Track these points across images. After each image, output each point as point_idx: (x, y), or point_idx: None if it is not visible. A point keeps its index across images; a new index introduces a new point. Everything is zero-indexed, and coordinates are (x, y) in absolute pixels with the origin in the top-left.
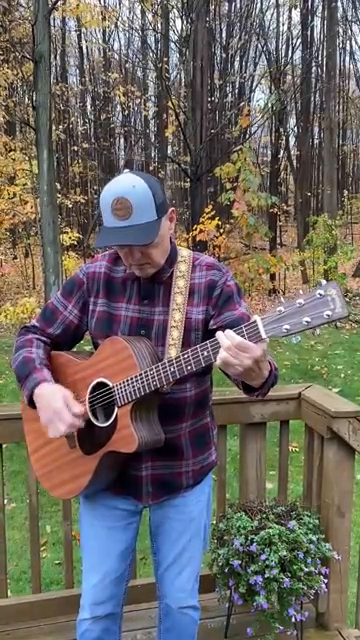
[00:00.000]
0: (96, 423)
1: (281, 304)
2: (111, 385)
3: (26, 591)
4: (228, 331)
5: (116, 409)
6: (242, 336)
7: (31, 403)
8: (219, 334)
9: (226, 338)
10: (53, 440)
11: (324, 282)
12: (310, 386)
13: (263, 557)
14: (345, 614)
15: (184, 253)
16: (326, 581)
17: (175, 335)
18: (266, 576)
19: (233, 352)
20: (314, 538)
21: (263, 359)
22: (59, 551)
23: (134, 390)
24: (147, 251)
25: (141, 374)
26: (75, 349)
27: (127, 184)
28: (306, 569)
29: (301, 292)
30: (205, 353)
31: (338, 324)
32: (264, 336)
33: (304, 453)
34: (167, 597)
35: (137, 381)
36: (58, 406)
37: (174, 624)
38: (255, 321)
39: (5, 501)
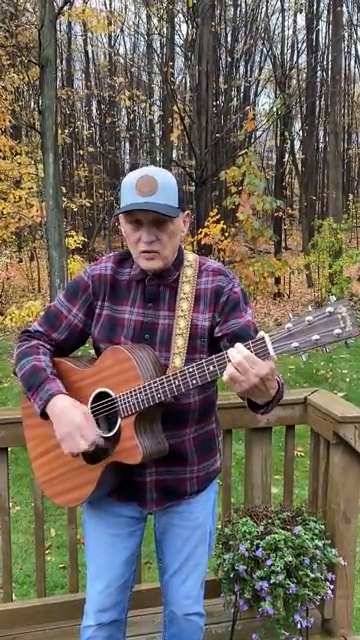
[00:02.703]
0: (99, 432)
1: (290, 321)
2: (114, 396)
3: (30, 595)
4: (238, 345)
5: (119, 420)
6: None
7: (42, 415)
8: (230, 350)
9: (236, 352)
10: (54, 448)
11: (334, 299)
12: (316, 390)
13: (269, 562)
14: (351, 620)
15: (190, 257)
16: (332, 587)
17: (180, 343)
18: (272, 582)
19: (242, 368)
20: (320, 544)
21: (270, 378)
22: (64, 555)
23: (138, 402)
24: (161, 234)
25: (145, 386)
26: (80, 353)
27: (153, 168)
28: (312, 575)
29: (310, 308)
30: (211, 368)
31: (349, 342)
32: (272, 354)
33: (310, 458)
34: (172, 604)
35: (141, 393)
36: (80, 422)
37: (179, 631)
38: (263, 338)
39: (10, 504)
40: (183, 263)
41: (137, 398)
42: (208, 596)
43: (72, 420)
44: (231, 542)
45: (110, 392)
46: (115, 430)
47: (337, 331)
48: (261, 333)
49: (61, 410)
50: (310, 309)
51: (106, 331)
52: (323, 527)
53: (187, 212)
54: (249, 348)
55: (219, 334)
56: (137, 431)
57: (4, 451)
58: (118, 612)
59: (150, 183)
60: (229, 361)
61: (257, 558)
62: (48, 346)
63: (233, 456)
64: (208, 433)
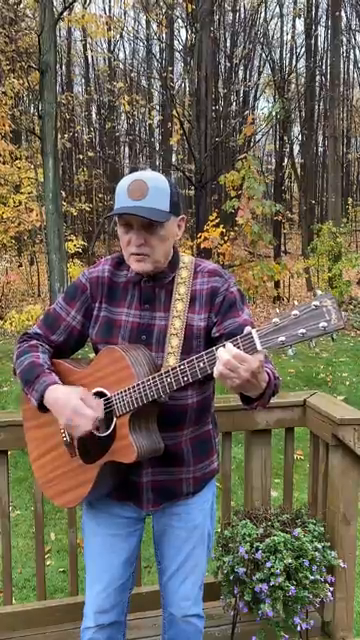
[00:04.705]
0: (95, 433)
1: (277, 315)
2: (109, 395)
3: (30, 599)
4: (227, 344)
5: (115, 419)
6: (237, 348)
7: (41, 407)
8: (219, 349)
9: (224, 351)
10: (54, 449)
11: (319, 292)
12: (315, 393)
13: (268, 565)
14: (351, 623)
15: (186, 259)
16: (332, 589)
17: (174, 343)
18: (271, 584)
19: (230, 365)
20: (319, 546)
21: (260, 371)
22: (63, 559)
23: (132, 400)
24: (151, 238)
25: (138, 384)
26: (80, 356)
27: (147, 172)
28: (312, 577)
29: (296, 303)
30: (201, 364)
31: (334, 336)
32: (259, 348)
33: (309, 461)
34: (171, 606)
35: (134, 391)
36: (76, 404)
37: (178, 633)
38: (250, 333)
39: (10, 508)
40: (178, 265)
41: (131, 397)
42: (208, 599)
43: (68, 404)
44: (231, 544)
45: (105, 392)
46: (111, 429)
47: (323, 324)
48: (248, 328)
49: (56, 399)
50: (296, 303)
51: (103, 332)
52: (323, 529)
53: (182, 216)
54: (237, 345)
55: (217, 334)
56: (132, 429)
57: (4, 454)
58: (117, 614)
59: (141, 187)
60: (218, 359)
61: (257, 560)
62: (47, 347)
63: (233, 460)
64: (205, 434)
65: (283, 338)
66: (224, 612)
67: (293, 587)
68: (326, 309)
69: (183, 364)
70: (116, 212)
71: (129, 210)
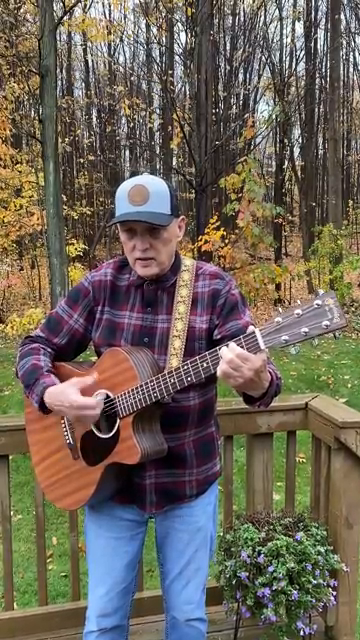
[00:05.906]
0: (99, 434)
1: (279, 315)
2: (112, 397)
3: (32, 604)
4: (230, 344)
5: (118, 420)
6: (241, 347)
7: (42, 409)
8: (222, 349)
9: (227, 351)
10: (57, 451)
11: (321, 292)
12: (317, 396)
13: (271, 569)
14: (355, 627)
15: (187, 262)
16: (335, 593)
17: (177, 345)
18: (274, 588)
19: (234, 364)
20: (322, 550)
21: (263, 369)
22: (65, 563)
23: (135, 401)
24: (155, 242)
25: (142, 385)
26: (81, 359)
27: (146, 177)
28: (314, 581)
29: (299, 302)
30: (205, 364)
31: (337, 334)
32: (263, 347)
33: (311, 464)
34: (174, 609)
35: (138, 392)
36: (75, 399)
37: (181, 637)
38: (254, 332)
39: (11, 512)
40: (180, 268)
41: (134, 398)
42: (210, 603)
43: (68, 401)
44: (233, 549)
45: (109, 394)
46: (114, 431)
47: (325, 323)
48: (251, 328)
49: (54, 399)
50: (299, 302)
51: (106, 335)
52: (325, 533)
53: (182, 217)
54: (240, 344)
55: (218, 336)
56: (135, 431)
57: (5, 458)
58: (120, 617)
59: (141, 192)
60: (221, 358)
61: (259, 564)
62: (49, 350)
63: (235, 463)
64: (207, 436)
65: (286, 337)
66: (226, 617)
67: (296, 591)
68: (328, 308)
69: (187, 364)
70: (119, 219)
71: (132, 216)
